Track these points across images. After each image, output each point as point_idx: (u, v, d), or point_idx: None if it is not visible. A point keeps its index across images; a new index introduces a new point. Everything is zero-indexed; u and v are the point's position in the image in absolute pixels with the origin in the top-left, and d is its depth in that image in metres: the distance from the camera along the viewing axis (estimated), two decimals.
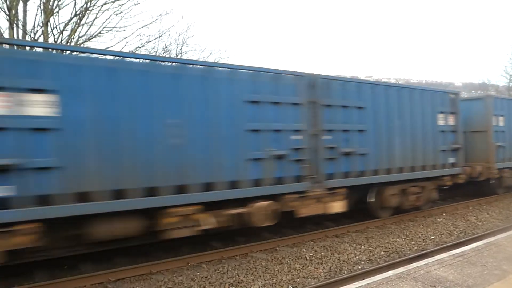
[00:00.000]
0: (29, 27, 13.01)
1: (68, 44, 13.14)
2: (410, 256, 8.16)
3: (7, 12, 12.36)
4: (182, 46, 18.54)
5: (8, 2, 12.39)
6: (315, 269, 7.46)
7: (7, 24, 12.47)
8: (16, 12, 12.62)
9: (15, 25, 12.52)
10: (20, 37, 12.46)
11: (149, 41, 16.05)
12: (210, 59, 19.05)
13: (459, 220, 11.51)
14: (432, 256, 7.42)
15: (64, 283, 6.35)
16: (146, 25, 16.36)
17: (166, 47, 17.48)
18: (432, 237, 9.78)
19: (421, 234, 9.94)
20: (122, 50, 13.60)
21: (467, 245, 8.28)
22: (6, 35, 12.46)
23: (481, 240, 8.68)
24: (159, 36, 16.96)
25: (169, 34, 28.91)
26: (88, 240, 6.53)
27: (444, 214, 12.14)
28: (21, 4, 12.78)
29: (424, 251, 8.49)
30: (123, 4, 14.12)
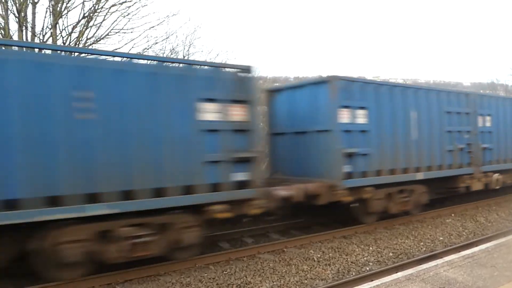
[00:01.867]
0: (38, 29, 13.10)
1: (77, 46, 13.23)
2: (419, 257, 8.10)
3: (17, 15, 12.47)
4: (189, 48, 18.57)
5: (17, 5, 12.50)
6: (323, 270, 7.43)
7: (16, 26, 12.58)
8: (25, 15, 12.72)
9: (24, 27, 12.62)
10: (29, 39, 12.56)
11: (157, 43, 16.07)
12: (217, 60, 19.05)
13: (468, 221, 11.41)
14: (441, 258, 7.37)
15: (73, 284, 6.37)
16: (153, 27, 16.44)
17: (173, 49, 17.52)
18: (441, 238, 9.71)
19: (430, 235, 9.87)
20: (130, 52, 13.64)
21: (476, 246, 8.21)
22: (15, 37, 12.57)
23: (490, 241, 8.59)
24: (167, 38, 17.02)
25: (176, 36, 28.96)
26: None
27: (453, 215, 12.04)
28: (30, 7, 12.88)
29: (433, 252, 8.42)
30: (130, 6, 14.15)
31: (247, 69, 7.87)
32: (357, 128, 9.48)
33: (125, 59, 7.20)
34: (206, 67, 8.00)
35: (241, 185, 7.62)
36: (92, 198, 6.14)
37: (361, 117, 9.62)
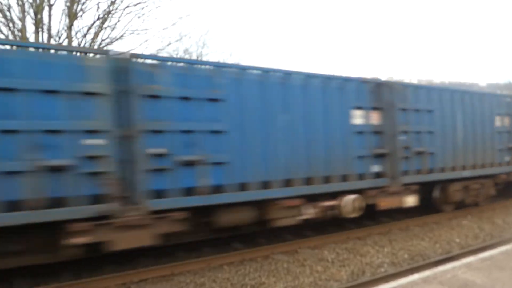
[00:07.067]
0: (54, 31, 13.31)
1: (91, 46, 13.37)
2: (435, 259, 7.99)
3: (33, 17, 12.66)
4: (202, 48, 18.69)
5: (34, 7, 12.69)
6: (338, 272, 7.37)
7: (33, 28, 12.78)
8: (42, 17, 12.92)
9: (40, 29, 12.81)
10: (46, 41, 12.74)
11: (170, 43, 16.23)
12: (231, 60, 19.17)
13: (485, 223, 11.22)
14: (458, 259, 7.25)
15: (88, 284, 6.43)
16: (167, 28, 16.59)
17: (187, 49, 17.65)
18: (457, 240, 9.55)
19: (446, 237, 9.73)
20: (143, 53, 13.74)
21: (494, 248, 8.06)
22: (32, 39, 12.76)
23: (509, 243, 8.43)
24: (180, 39, 17.19)
25: (190, 37, 29.16)
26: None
27: (469, 216, 11.85)
28: (46, 9, 13.07)
29: (449, 254, 8.30)
30: (144, 8, 14.29)
31: None
32: None
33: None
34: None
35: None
36: None
37: None
